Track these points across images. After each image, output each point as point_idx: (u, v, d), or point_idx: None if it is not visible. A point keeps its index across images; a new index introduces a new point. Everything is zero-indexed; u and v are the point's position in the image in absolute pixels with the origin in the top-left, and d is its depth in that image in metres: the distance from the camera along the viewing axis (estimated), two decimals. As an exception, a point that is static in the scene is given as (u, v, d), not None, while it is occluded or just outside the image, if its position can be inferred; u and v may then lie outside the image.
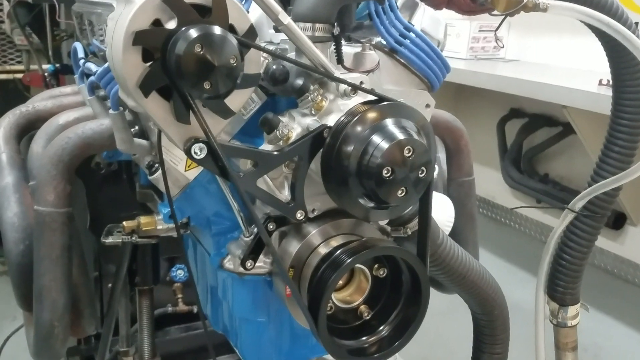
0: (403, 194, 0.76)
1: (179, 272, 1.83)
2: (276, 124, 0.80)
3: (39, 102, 1.13)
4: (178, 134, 0.71)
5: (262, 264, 0.90)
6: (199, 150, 0.71)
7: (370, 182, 0.75)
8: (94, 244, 1.49)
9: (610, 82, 1.04)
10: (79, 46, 1.09)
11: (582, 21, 0.88)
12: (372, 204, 0.78)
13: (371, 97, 0.86)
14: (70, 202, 0.92)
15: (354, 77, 0.87)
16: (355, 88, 0.79)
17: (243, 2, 0.83)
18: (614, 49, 0.96)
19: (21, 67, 2.87)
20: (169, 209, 0.85)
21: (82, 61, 1.03)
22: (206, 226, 0.96)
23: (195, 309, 1.81)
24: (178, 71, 0.64)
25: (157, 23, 0.66)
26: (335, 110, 0.83)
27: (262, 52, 0.75)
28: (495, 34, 0.90)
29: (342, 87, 0.83)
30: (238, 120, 0.87)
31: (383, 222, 0.93)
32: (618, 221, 2.97)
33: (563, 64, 3.23)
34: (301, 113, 0.84)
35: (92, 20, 1.20)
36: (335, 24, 0.84)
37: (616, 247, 3.05)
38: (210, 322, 1.06)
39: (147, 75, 0.65)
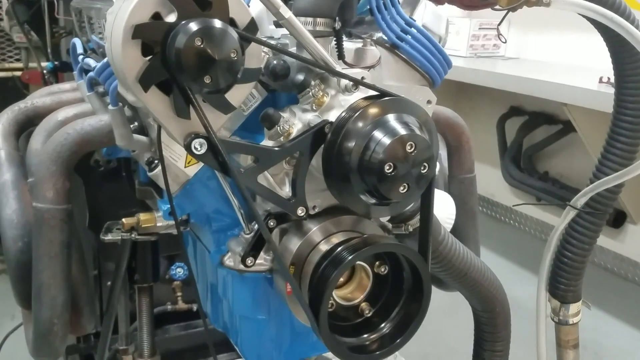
0: (405, 190, 0.75)
1: (178, 270, 1.82)
2: (277, 120, 0.80)
3: (38, 98, 1.12)
4: (178, 129, 0.70)
5: (263, 261, 0.89)
6: (199, 146, 0.70)
7: (372, 178, 0.74)
8: (94, 242, 1.49)
9: (611, 80, 1.03)
10: (77, 42, 1.09)
11: (584, 16, 0.87)
12: (373, 200, 0.78)
13: (372, 93, 0.86)
14: (70, 199, 0.91)
15: (355, 73, 0.86)
16: (357, 83, 0.78)
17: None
18: (616, 45, 0.96)
19: (20, 64, 2.86)
20: (169, 206, 0.84)
21: (81, 57, 1.03)
22: (206, 223, 0.95)
23: (194, 307, 1.80)
24: (178, 65, 0.63)
25: (156, 16, 0.65)
26: (336, 105, 0.82)
27: (263, 47, 0.74)
28: (497, 28, 0.89)
29: (344, 82, 0.82)
30: (238, 116, 0.87)
31: (384, 219, 0.92)
32: (618, 219, 2.96)
33: (563, 61, 3.23)
34: (302, 109, 0.83)
35: (92, 15, 1.19)
36: (337, 18, 0.83)
37: (616, 245, 3.05)
38: (210, 319, 1.06)
39: (146, 70, 0.64)
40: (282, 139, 0.81)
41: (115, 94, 0.83)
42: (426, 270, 0.83)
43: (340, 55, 0.93)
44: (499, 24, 0.84)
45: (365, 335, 0.84)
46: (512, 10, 0.82)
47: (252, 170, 0.75)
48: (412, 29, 1.00)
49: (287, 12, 0.74)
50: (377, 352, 0.82)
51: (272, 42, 0.87)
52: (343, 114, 0.78)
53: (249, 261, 0.87)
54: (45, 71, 2.17)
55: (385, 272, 0.86)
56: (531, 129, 3.40)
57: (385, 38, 0.94)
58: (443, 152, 1.31)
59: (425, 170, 0.76)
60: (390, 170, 0.73)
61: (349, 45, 0.97)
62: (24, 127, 1.13)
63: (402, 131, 0.74)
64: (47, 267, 0.89)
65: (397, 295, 0.86)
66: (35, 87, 2.44)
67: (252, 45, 0.71)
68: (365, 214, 0.83)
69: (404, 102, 0.78)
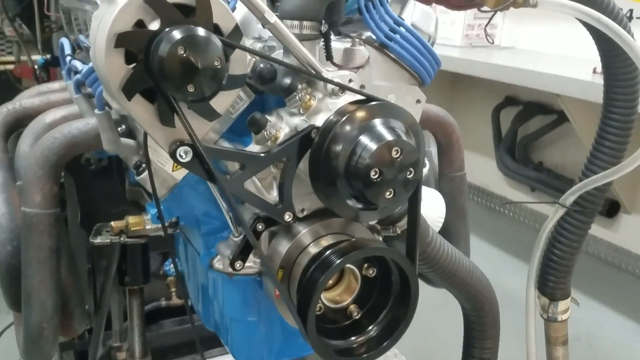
0: (391, 195, 0.75)
1: (172, 266, 1.82)
2: (264, 124, 0.80)
3: (27, 99, 1.12)
4: (163, 137, 0.70)
5: (252, 264, 0.89)
6: (184, 154, 0.70)
7: (358, 183, 0.74)
8: (86, 240, 1.49)
9: (604, 72, 1.03)
10: (65, 42, 1.08)
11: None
12: (360, 205, 0.78)
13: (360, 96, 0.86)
14: (58, 203, 0.91)
15: (343, 75, 0.86)
16: (343, 88, 0.78)
17: (228, 0, 0.82)
18: (605, 44, 0.95)
19: (12, 58, 2.84)
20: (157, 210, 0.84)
21: (68, 58, 1.02)
22: (195, 226, 0.95)
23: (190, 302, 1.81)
24: (161, 73, 0.63)
25: (140, 24, 0.65)
26: (323, 109, 0.82)
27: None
28: (485, 29, 0.89)
29: (331, 86, 0.82)
30: (226, 119, 0.86)
31: (372, 222, 0.93)
32: (612, 209, 2.97)
33: (558, 51, 3.22)
34: (289, 112, 0.83)
35: (79, 16, 1.18)
36: (323, 21, 0.83)
37: (610, 235, 3.07)
38: (201, 319, 1.06)
39: (130, 78, 0.64)
40: (269, 143, 0.80)
41: (101, 99, 0.83)
42: (414, 274, 0.83)
43: (328, 57, 0.92)
44: (487, 25, 0.84)
45: (353, 338, 0.84)
46: (500, 11, 0.81)
47: (239, 177, 0.75)
48: (401, 28, 0.99)
49: (272, 17, 0.73)
50: (365, 355, 0.82)
51: (260, 43, 0.87)
52: (329, 119, 0.77)
53: (238, 265, 0.87)
54: (36, 66, 2.16)
55: (374, 274, 0.87)
56: (526, 119, 3.40)
57: (374, 37, 0.94)
58: (433, 149, 1.31)
59: (411, 175, 0.76)
60: (376, 176, 0.74)
61: (338, 45, 0.96)
62: (13, 129, 1.13)
63: (388, 137, 0.74)
64: (36, 272, 0.89)
65: (385, 297, 0.87)
66: (27, 81, 2.43)
67: (237, 51, 0.70)
68: (351, 218, 0.83)
69: (390, 107, 0.78)
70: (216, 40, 0.64)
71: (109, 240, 0.97)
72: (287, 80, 0.81)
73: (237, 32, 0.68)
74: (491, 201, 3.80)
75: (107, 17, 0.64)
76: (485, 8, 0.79)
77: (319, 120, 0.80)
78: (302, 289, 0.82)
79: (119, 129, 0.91)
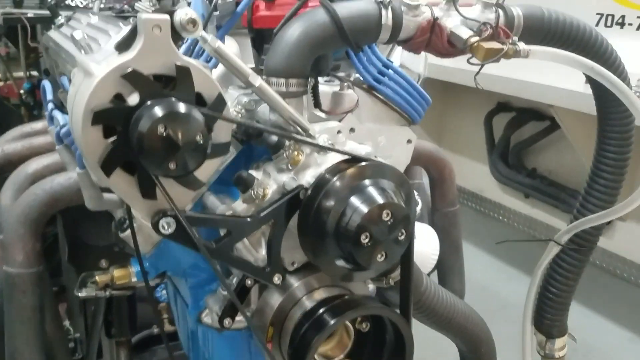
0: (383, 258, 0.73)
1: (163, 293, 1.80)
2: (251, 183, 0.77)
3: (9, 144, 1.09)
4: (145, 208, 0.67)
5: (241, 318, 0.87)
6: (167, 225, 0.67)
7: (348, 246, 0.72)
8: (74, 276, 1.46)
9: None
10: (47, 86, 1.05)
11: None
12: (350, 266, 0.76)
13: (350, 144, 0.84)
14: (41, 260, 0.89)
15: (331, 127, 0.84)
16: (329, 150, 0.76)
17: (208, 60, 0.79)
18: (599, 85, 0.94)
19: (-1, 75, 2.81)
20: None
21: (50, 105, 0.99)
22: (183, 277, 0.93)
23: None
24: (141, 150, 0.61)
25: (118, 96, 0.62)
26: (312, 164, 0.80)
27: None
28: (475, 78, 0.87)
29: (320, 138, 0.80)
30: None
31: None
32: (607, 216, 2.96)
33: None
34: (277, 168, 0.81)
35: (57, 62, 1.16)
36: (309, 77, 0.81)
37: (605, 241, 3.05)
38: (191, 361, 1.04)
39: (108, 155, 0.62)
40: (257, 201, 0.78)
41: (81, 158, 0.81)
42: (408, 332, 0.81)
43: (317, 104, 0.91)
44: (476, 74, 0.82)
45: (346, 395, 0.82)
46: (490, 63, 0.79)
47: (225, 243, 0.73)
48: (390, 70, 0.97)
49: (256, 80, 0.71)
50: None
51: (246, 97, 0.84)
52: (318, 180, 0.75)
53: (227, 322, 0.85)
54: (22, 91, 2.12)
55: (367, 329, 0.85)
56: (519, 125, 3.38)
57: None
58: (425, 180, 1.29)
59: (402, 237, 0.74)
60: (367, 240, 0.72)
61: (326, 89, 0.94)
62: (-5, 175, 1.10)
63: (379, 199, 0.72)
64: (19, 333, 0.87)
65: (379, 353, 0.85)
66: (14, 101, 2.38)
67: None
68: (341, 279, 0.81)
69: (378, 166, 0.76)
70: (198, 115, 0.62)
71: (94, 294, 0.94)
72: (274, 137, 0.79)
73: (221, 100, 0.66)
74: (485, 206, 3.79)
75: (84, 90, 0.62)
76: (475, 62, 0.77)
77: (308, 176, 0.78)
78: (295, 347, 0.80)
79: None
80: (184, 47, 0.84)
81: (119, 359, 1.12)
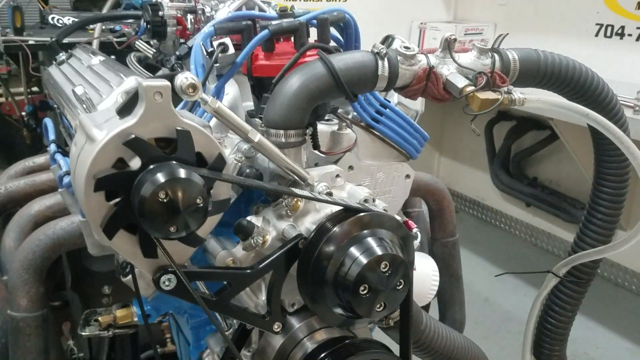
0: (381, 308, 0.74)
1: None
2: (251, 231, 0.79)
3: (12, 181, 1.10)
4: (146, 266, 0.68)
5: (243, 358, 0.88)
6: (168, 282, 0.69)
7: (347, 297, 0.73)
8: (79, 302, 1.47)
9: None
10: (50, 125, 1.06)
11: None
12: (349, 315, 0.77)
13: (348, 185, 0.85)
14: (45, 303, 0.90)
15: (329, 172, 0.85)
16: (326, 202, 0.77)
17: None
18: (595, 130, 0.95)
19: (0, 91, 2.81)
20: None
21: (52, 146, 1.00)
22: (184, 317, 0.94)
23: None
24: (142, 215, 0.62)
25: (120, 160, 0.63)
26: (311, 210, 0.81)
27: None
28: (471, 123, 0.88)
29: (318, 187, 0.81)
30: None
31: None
32: (607, 226, 2.97)
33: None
34: (277, 214, 0.82)
35: (57, 105, 1.17)
36: (306, 128, 0.82)
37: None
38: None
39: (110, 218, 0.63)
40: (257, 248, 0.79)
41: (85, 207, 0.82)
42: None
43: (315, 146, 0.92)
44: (472, 121, 0.83)
45: None
46: (485, 113, 0.80)
47: (224, 295, 0.74)
48: (387, 109, 0.99)
49: (255, 136, 0.72)
50: None
51: (246, 145, 0.85)
52: (316, 230, 0.76)
53: (228, 365, 0.86)
54: (24, 113, 2.13)
55: (367, 370, 0.86)
56: (519, 135, 3.39)
57: (361, 118, 0.94)
58: (425, 207, 1.30)
59: (401, 287, 0.75)
60: (366, 292, 0.73)
61: (324, 129, 0.96)
62: (-2, 213, 1.11)
63: (377, 251, 0.73)
64: (24, 376, 0.88)
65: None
66: (15, 119, 2.39)
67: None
68: (338, 326, 0.82)
69: (376, 217, 0.77)
70: (198, 179, 0.63)
71: (97, 333, 0.95)
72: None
73: (221, 160, 0.67)
74: (486, 214, 3.79)
75: (86, 155, 0.63)
76: (470, 112, 0.78)
77: (307, 223, 0.80)
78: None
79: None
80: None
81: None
